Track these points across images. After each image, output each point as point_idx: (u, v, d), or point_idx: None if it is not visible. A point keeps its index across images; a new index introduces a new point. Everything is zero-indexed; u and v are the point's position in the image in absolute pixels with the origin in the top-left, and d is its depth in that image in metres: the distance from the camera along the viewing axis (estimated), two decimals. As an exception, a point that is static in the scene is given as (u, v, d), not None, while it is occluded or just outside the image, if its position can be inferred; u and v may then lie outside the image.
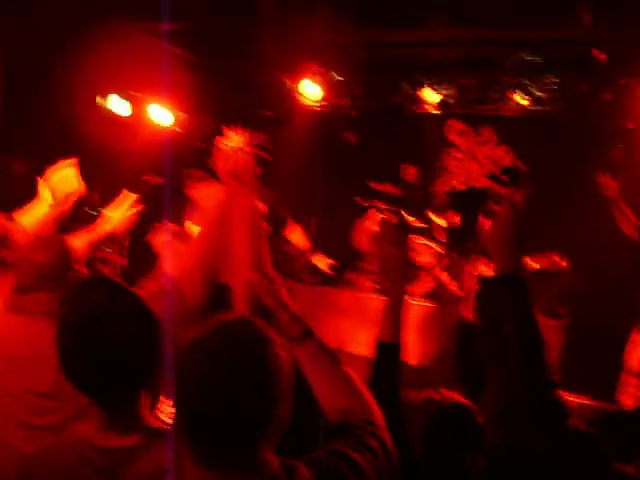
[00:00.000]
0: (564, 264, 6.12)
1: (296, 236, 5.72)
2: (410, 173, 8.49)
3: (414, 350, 5.77)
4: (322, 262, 5.75)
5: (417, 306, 6.48)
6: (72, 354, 1.76)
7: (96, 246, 3.98)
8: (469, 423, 2.14)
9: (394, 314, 2.22)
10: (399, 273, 2.24)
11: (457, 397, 2.25)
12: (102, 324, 1.72)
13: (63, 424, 2.32)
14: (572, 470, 1.60)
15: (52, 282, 2.50)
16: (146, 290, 2.38)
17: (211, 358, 1.42)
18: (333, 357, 1.84)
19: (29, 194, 3.94)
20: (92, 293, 1.79)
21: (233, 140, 4.96)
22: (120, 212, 3.84)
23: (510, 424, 1.58)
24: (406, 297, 2.26)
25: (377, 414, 1.73)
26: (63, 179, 3.57)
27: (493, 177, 5.69)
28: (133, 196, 3.90)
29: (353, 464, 1.52)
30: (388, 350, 2.23)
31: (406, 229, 2.30)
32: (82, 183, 3.62)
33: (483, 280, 1.72)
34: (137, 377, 1.78)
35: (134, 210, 3.88)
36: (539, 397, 1.55)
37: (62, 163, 3.66)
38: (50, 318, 2.47)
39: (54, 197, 3.48)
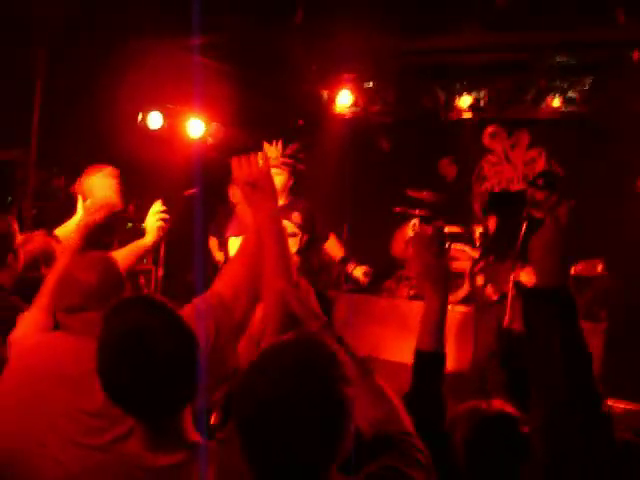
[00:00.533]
0: (599, 269, 6.06)
1: (331, 245, 5.73)
2: (448, 167, 8.47)
3: (451, 355, 5.75)
4: (358, 270, 5.75)
5: (453, 311, 6.47)
6: (112, 372, 1.78)
7: (140, 260, 3.97)
8: (513, 433, 2.12)
9: (434, 322, 2.22)
10: (439, 282, 2.24)
11: (504, 406, 2.22)
12: (141, 342, 1.74)
13: (112, 443, 2.35)
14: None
15: (101, 302, 2.51)
16: (193, 306, 2.41)
17: (285, 381, 1.41)
18: (363, 366, 1.84)
19: (69, 210, 3.96)
20: (131, 311, 1.82)
21: (269, 152, 4.99)
22: (151, 222, 3.79)
23: (556, 437, 1.58)
24: (447, 305, 2.26)
25: (409, 424, 1.73)
26: (100, 187, 3.52)
27: (530, 182, 5.65)
28: (159, 205, 3.83)
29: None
30: (428, 358, 2.23)
31: (444, 238, 2.28)
32: (120, 197, 3.56)
33: (529, 293, 1.70)
34: (179, 394, 1.80)
35: (163, 219, 3.80)
36: (586, 411, 1.55)
37: (103, 171, 3.62)
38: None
39: (88, 204, 3.42)
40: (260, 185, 2.12)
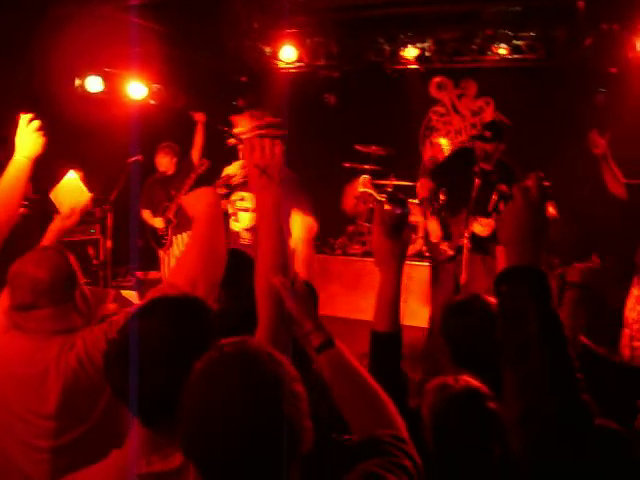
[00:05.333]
0: (554, 213, 6.04)
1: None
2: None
3: (409, 313, 5.76)
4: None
5: (408, 266, 6.46)
6: (118, 371, 1.68)
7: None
8: (481, 409, 2.07)
9: (389, 303, 2.16)
10: (392, 263, 2.18)
11: (471, 382, 2.17)
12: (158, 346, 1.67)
13: (70, 446, 2.30)
14: (600, 476, 1.56)
15: (53, 298, 2.42)
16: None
17: (225, 398, 1.36)
18: (355, 366, 1.78)
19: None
20: (151, 318, 1.72)
21: (242, 125, 4.80)
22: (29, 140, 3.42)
23: (533, 427, 1.53)
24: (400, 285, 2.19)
25: (402, 426, 1.68)
26: (68, 191, 3.41)
27: (477, 136, 5.59)
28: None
29: None
30: (384, 340, 2.17)
31: (404, 220, 2.18)
32: (88, 193, 3.44)
33: (500, 274, 1.62)
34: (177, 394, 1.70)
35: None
36: (565, 397, 1.50)
37: (66, 176, 3.49)
38: (52, 335, 2.41)
39: (64, 210, 3.31)
40: (269, 172, 2.00)
